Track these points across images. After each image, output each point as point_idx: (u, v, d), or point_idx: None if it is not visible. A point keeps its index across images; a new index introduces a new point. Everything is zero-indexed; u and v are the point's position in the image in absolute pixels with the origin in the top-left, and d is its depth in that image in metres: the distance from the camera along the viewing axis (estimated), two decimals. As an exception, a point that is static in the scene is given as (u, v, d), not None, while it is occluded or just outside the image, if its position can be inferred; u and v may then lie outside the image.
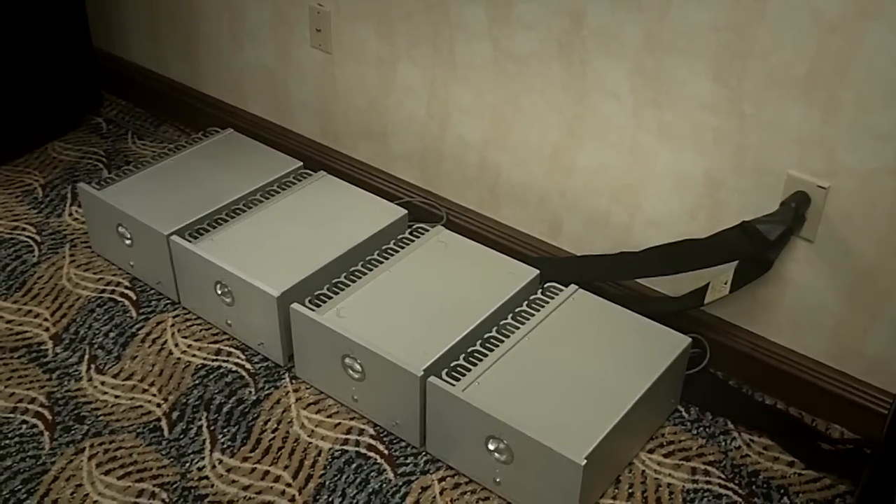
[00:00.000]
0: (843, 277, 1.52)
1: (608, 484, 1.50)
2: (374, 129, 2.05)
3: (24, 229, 2.05)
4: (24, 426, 1.59)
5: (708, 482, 1.51)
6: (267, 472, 1.51)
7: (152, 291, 1.89)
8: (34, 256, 1.98)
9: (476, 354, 1.53)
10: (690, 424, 1.62)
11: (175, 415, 1.62)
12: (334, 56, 2.03)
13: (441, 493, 1.49)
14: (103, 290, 1.89)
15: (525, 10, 1.67)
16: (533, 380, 1.49)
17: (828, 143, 1.44)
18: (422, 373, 1.48)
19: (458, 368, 1.51)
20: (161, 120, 2.49)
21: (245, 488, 1.49)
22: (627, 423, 1.45)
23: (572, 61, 1.66)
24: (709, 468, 1.53)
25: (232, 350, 1.76)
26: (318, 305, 1.63)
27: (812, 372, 1.61)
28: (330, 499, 1.47)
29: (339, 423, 1.61)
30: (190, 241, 1.77)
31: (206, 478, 1.50)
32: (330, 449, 1.56)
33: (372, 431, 1.59)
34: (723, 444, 1.58)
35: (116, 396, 1.65)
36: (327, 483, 1.50)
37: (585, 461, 1.34)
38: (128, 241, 1.88)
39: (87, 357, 1.73)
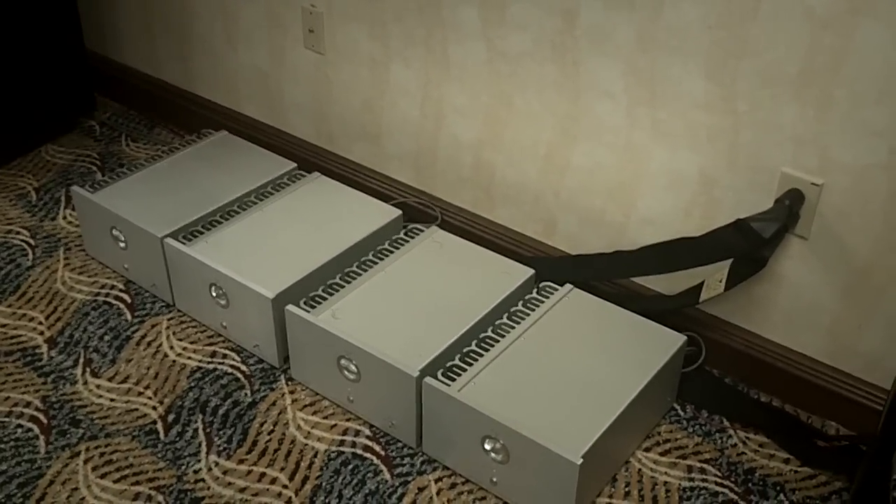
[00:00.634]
0: (838, 274, 1.52)
1: (605, 483, 1.50)
2: (368, 130, 2.05)
3: (17, 233, 2.05)
4: (20, 430, 1.58)
5: (704, 480, 1.51)
6: (263, 474, 1.51)
7: (147, 294, 1.89)
8: (28, 260, 1.97)
9: (472, 354, 1.53)
10: (686, 422, 1.62)
11: (171, 417, 1.61)
12: (328, 57, 2.03)
13: (438, 494, 1.49)
14: (98, 293, 1.89)
15: (518, 11, 1.67)
16: (529, 379, 1.49)
17: (821, 140, 1.44)
18: (417, 373, 1.48)
19: (454, 368, 1.51)
20: (155, 122, 2.49)
21: (241, 490, 1.48)
22: (623, 422, 1.45)
23: (566, 61, 1.66)
24: (705, 466, 1.53)
25: (227, 352, 1.75)
26: (314, 307, 1.63)
27: (807, 369, 1.61)
28: (326, 500, 1.47)
29: (336, 425, 1.61)
30: (184, 244, 1.77)
31: (203, 480, 1.50)
32: (326, 450, 1.56)
33: (368, 432, 1.59)
34: (719, 441, 1.58)
35: (112, 399, 1.65)
36: (324, 484, 1.50)
37: (582, 460, 1.34)
38: (122, 244, 1.88)
39: (82, 360, 1.73)
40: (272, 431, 1.59)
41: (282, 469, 1.52)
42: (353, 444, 1.57)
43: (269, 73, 2.17)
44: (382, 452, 1.56)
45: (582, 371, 1.51)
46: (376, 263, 1.73)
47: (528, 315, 1.62)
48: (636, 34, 1.55)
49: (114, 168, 2.27)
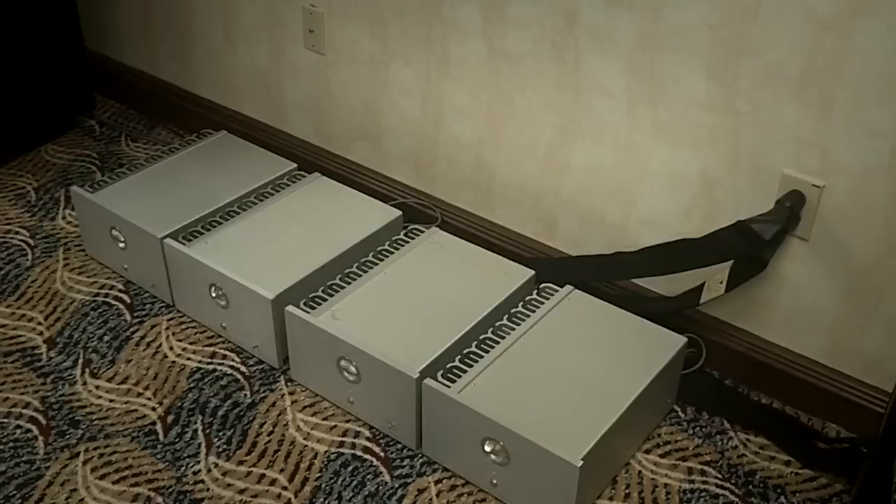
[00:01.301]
0: (839, 276, 1.52)
1: (605, 485, 1.50)
2: (368, 130, 2.05)
3: (17, 233, 2.05)
4: (19, 431, 1.58)
5: (704, 482, 1.51)
6: (263, 476, 1.51)
7: (146, 294, 1.88)
8: (28, 260, 1.97)
9: (472, 356, 1.53)
10: (687, 424, 1.61)
11: (170, 418, 1.61)
12: (328, 57, 2.03)
13: (437, 496, 1.48)
14: (97, 294, 1.88)
15: (518, 9, 1.67)
16: (529, 381, 1.49)
17: (823, 141, 1.44)
18: (417, 375, 1.48)
19: (454, 370, 1.50)
20: (154, 122, 2.48)
21: (241, 492, 1.48)
22: (624, 424, 1.45)
23: (566, 60, 1.66)
24: (705, 468, 1.53)
25: (227, 353, 1.75)
26: (313, 308, 1.62)
27: (808, 371, 1.61)
28: (326, 502, 1.47)
29: (335, 426, 1.60)
30: (184, 244, 1.77)
31: (202, 482, 1.50)
32: (326, 452, 1.55)
33: (368, 434, 1.59)
34: (719, 443, 1.58)
35: (111, 400, 1.64)
36: (323, 486, 1.49)
37: (582, 462, 1.34)
38: (121, 245, 1.87)
39: (81, 361, 1.72)
40: (272, 433, 1.59)
41: (281, 470, 1.52)
42: (353, 446, 1.57)
43: (269, 72, 2.17)
44: (382, 454, 1.55)
45: (582, 372, 1.50)
46: (376, 264, 1.73)
47: (529, 316, 1.61)
48: (637, 33, 1.55)
49: (113, 168, 2.27)
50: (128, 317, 1.83)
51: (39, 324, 1.81)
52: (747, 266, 1.56)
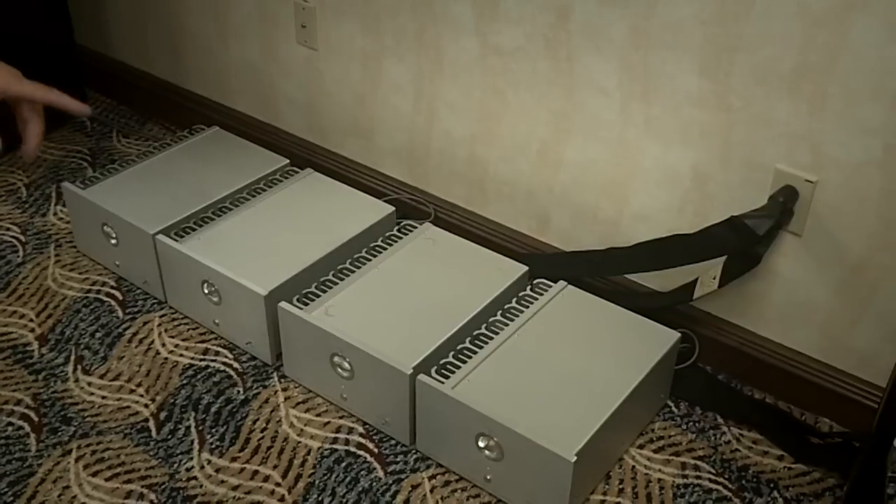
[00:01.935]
0: (832, 271, 1.52)
1: (599, 480, 1.50)
2: (360, 126, 2.04)
3: (7, 229, 2.04)
4: (10, 428, 1.57)
5: (698, 477, 1.51)
6: (256, 472, 1.51)
7: (138, 291, 1.88)
8: (19, 257, 1.96)
9: (465, 352, 1.53)
10: (680, 419, 1.62)
11: (163, 415, 1.61)
12: (320, 52, 2.02)
13: (431, 491, 1.48)
14: (89, 290, 1.88)
15: (511, 6, 1.66)
16: (523, 377, 1.49)
17: (815, 137, 1.44)
18: (411, 370, 1.48)
19: (448, 366, 1.50)
20: (146, 118, 2.48)
21: (234, 488, 1.48)
22: (617, 419, 1.45)
23: (559, 57, 1.66)
24: (699, 463, 1.53)
25: (219, 349, 1.75)
26: (306, 304, 1.62)
27: (801, 366, 1.61)
28: (320, 498, 1.47)
29: (329, 422, 1.60)
30: (176, 240, 1.76)
31: (195, 478, 1.49)
32: (319, 448, 1.55)
33: (361, 430, 1.59)
34: (712, 438, 1.58)
35: (103, 397, 1.64)
36: (317, 482, 1.49)
37: (576, 458, 1.34)
38: (113, 241, 1.87)
39: (73, 358, 1.72)
40: (265, 429, 1.58)
41: (274, 467, 1.52)
42: (347, 442, 1.56)
43: (262, 68, 2.16)
44: (376, 450, 1.55)
45: (576, 368, 1.50)
46: (369, 260, 1.73)
47: (522, 312, 1.61)
48: (630, 30, 1.55)
49: (105, 164, 2.26)
50: (120, 313, 1.82)
51: (31, 321, 1.80)
52: (740, 261, 1.56)
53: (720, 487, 1.49)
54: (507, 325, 1.59)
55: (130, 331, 1.78)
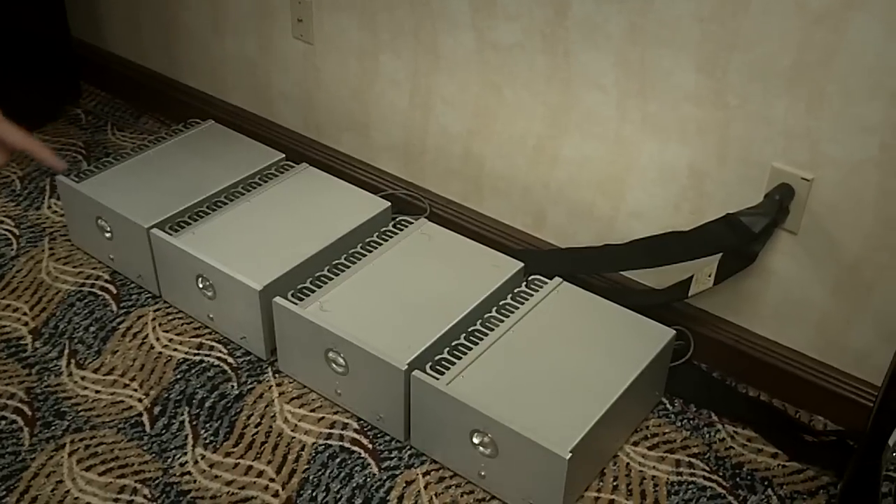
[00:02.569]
0: (828, 270, 1.52)
1: (593, 477, 1.50)
2: (356, 121, 2.04)
3: (1, 222, 2.03)
4: (3, 422, 1.57)
5: (692, 474, 1.51)
6: (250, 467, 1.50)
7: (133, 285, 1.87)
8: (12, 250, 1.95)
9: (460, 348, 1.53)
10: (675, 417, 1.62)
11: (157, 410, 1.60)
12: (316, 47, 2.01)
13: (426, 488, 1.48)
14: (83, 284, 1.87)
15: (508, 1, 1.66)
16: (517, 373, 1.48)
17: (812, 135, 1.44)
18: (406, 366, 1.47)
19: (443, 362, 1.50)
20: (141, 111, 2.47)
21: (228, 483, 1.48)
22: (612, 416, 1.45)
23: (556, 52, 1.65)
24: (693, 460, 1.53)
25: (214, 344, 1.74)
26: (301, 299, 1.62)
27: (796, 364, 1.61)
28: (314, 493, 1.46)
29: (323, 418, 1.60)
30: (171, 234, 1.76)
31: (189, 473, 1.49)
32: (314, 443, 1.55)
33: (356, 425, 1.58)
34: (707, 436, 1.58)
35: (97, 391, 1.63)
36: (311, 478, 1.49)
37: (570, 455, 1.34)
38: (108, 235, 1.86)
39: (67, 352, 1.71)
40: (259, 424, 1.58)
41: (269, 462, 1.51)
42: (341, 438, 1.56)
43: (257, 62, 2.16)
44: (370, 446, 1.55)
45: (571, 365, 1.50)
46: (364, 255, 1.72)
47: (518, 308, 1.61)
48: (627, 26, 1.55)
49: (99, 157, 2.25)
50: (114, 307, 1.82)
51: (24, 314, 1.79)
52: (736, 259, 1.56)
53: (714, 485, 1.49)
54: (502, 321, 1.58)
55: (124, 325, 1.78)
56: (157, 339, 1.75)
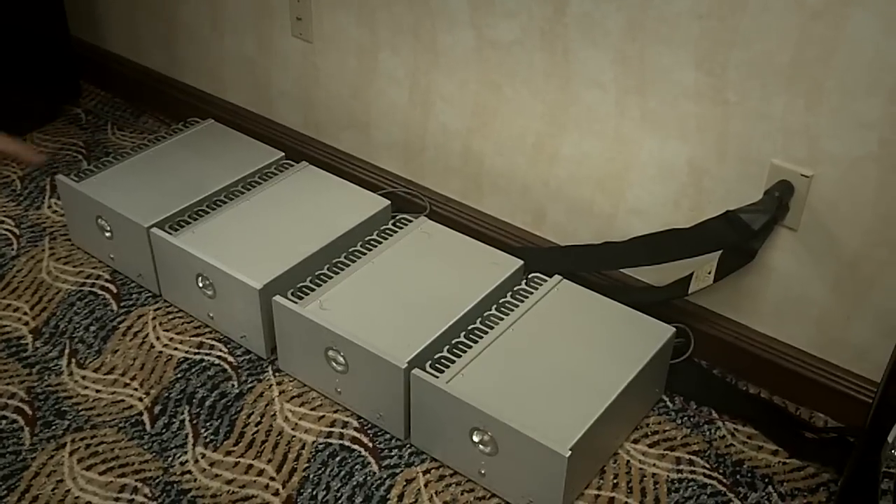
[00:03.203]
0: (827, 266, 1.52)
1: (593, 475, 1.50)
2: (356, 119, 2.04)
3: (2, 222, 2.03)
4: (4, 422, 1.57)
5: (693, 471, 1.51)
6: (250, 466, 1.50)
7: (133, 284, 1.87)
8: (13, 249, 1.96)
9: (460, 346, 1.53)
10: (675, 414, 1.62)
11: (157, 409, 1.60)
12: (315, 45, 2.01)
13: (426, 486, 1.48)
14: (83, 284, 1.87)
15: (507, -1, 1.66)
16: (517, 371, 1.48)
17: (811, 131, 1.44)
18: (405, 365, 1.47)
19: (442, 360, 1.50)
20: (141, 110, 2.47)
21: (228, 482, 1.48)
22: (612, 414, 1.45)
23: (555, 50, 1.65)
24: (693, 457, 1.53)
25: (214, 343, 1.74)
26: (301, 298, 1.62)
27: (796, 361, 1.61)
28: (314, 492, 1.47)
29: (323, 416, 1.60)
30: (171, 234, 1.76)
31: (189, 472, 1.49)
32: (314, 442, 1.55)
33: (356, 424, 1.59)
34: (707, 433, 1.58)
35: (97, 391, 1.64)
36: (311, 476, 1.49)
37: (570, 452, 1.34)
38: (108, 234, 1.86)
39: (67, 351, 1.71)
40: (259, 423, 1.58)
41: (269, 461, 1.51)
42: (341, 436, 1.56)
43: (257, 61, 2.16)
44: (370, 444, 1.55)
45: (570, 363, 1.50)
46: (364, 254, 1.72)
47: (517, 306, 1.61)
48: (626, 22, 1.55)
49: (99, 157, 2.25)
50: (114, 307, 1.82)
51: (25, 314, 1.79)
52: (736, 256, 1.56)
53: (714, 482, 1.49)
54: (501, 319, 1.58)
55: (125, 324, 1.78)
56: (158, 339, 1.75)
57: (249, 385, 1.65)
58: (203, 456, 1.52)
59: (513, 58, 1.71)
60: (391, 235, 1.77)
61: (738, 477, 1.50)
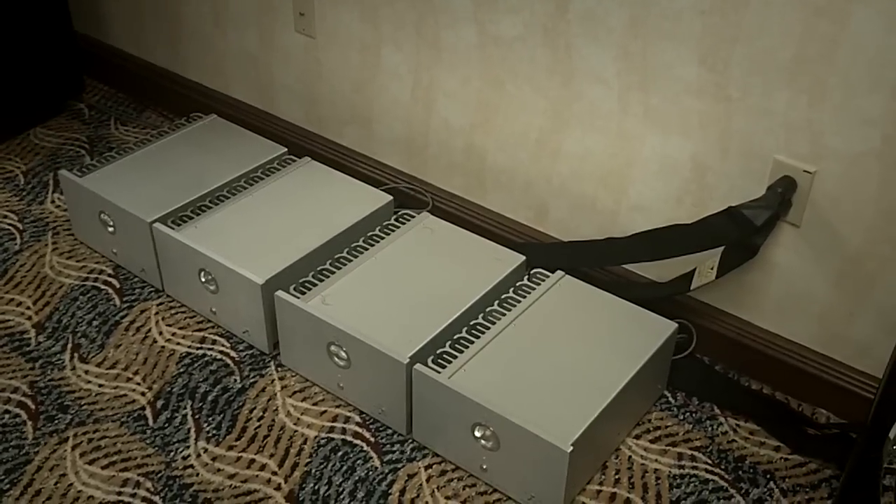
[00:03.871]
0: (830, 262, 1.52)
1: (595, 470, 1.50)
2: (358, 115, 2.04)
3: (5, 217, 2.04)
4: (7, 416, 1.57)
5: (694, 467, 1.51)
6: (253, 461, 1.51)
7: (136, 279, 1.88)
8: (16, 244, 1.96)
9: (462, 341, 1.53)
10: (677, 410, 1.62)
11: (160, 403, 1.61)
12: (318, 41, 2.01)
13: (427, 481, 1.48)
14: (86, 278, 1.87)
15: (510, -6, 1.66)
16: (519, 366, 1.49)
17: (814, 127, 1.44)
18: (408, 360, 1.48)
19: (445, 355, 1.50)
20: (144, 105, 2.47)
21: (230, 477, 1.48)
22: (614, 410, 1.45)
23: (558, 46, 1.65)
24: (695, 453, 1.53)
25: (217, 338, 1.75)
26: (303, 293, 1.62)
27: (798, 357, 1.61)
28: (316, 487, 1.47)
29: (325, 411, 1.60)
30: (173, 229, 1.76)
31: (192, 466, 1.50)
32: (316, 437, 1.55)
33: (358, 419, 1.59)
34: (709, 429, 1.58)
35: (100, 385, 1.64)
36: (313, 471, 1.49)
37: (572, 448, 1.34)
38: (110, 229, 1.86)
39: (70, 346, 1.72)
40: (261, 418, 1.58)
41: (271, 455, 1.52)
42: (343, 431, 1.56)
43: (259, 56, 2.16)
44: (372, 439, 1.55)
45: (573, 358, 1.50)
46: (367, 249, 1.72)
47: (520, 302, 1.61)
48: (629, 19, 1.54)
49: (102, 152, 2.25)
50: (117, 301, 1.82)
51: (28, 308, 1.80)
52: (738, 252, 1.56)
53: (716, 478, 1.49)
54: (504, 314, 1.59)
55: (127, 319, 1.78)
56: (160, 333, 1.75)
57: (252, 380, 1.66)
58: (205, 450, 1.52)
59: (515, 54, 1.71)
60: (394, 231, 1.77)
61: (740, 473, 1.50)
